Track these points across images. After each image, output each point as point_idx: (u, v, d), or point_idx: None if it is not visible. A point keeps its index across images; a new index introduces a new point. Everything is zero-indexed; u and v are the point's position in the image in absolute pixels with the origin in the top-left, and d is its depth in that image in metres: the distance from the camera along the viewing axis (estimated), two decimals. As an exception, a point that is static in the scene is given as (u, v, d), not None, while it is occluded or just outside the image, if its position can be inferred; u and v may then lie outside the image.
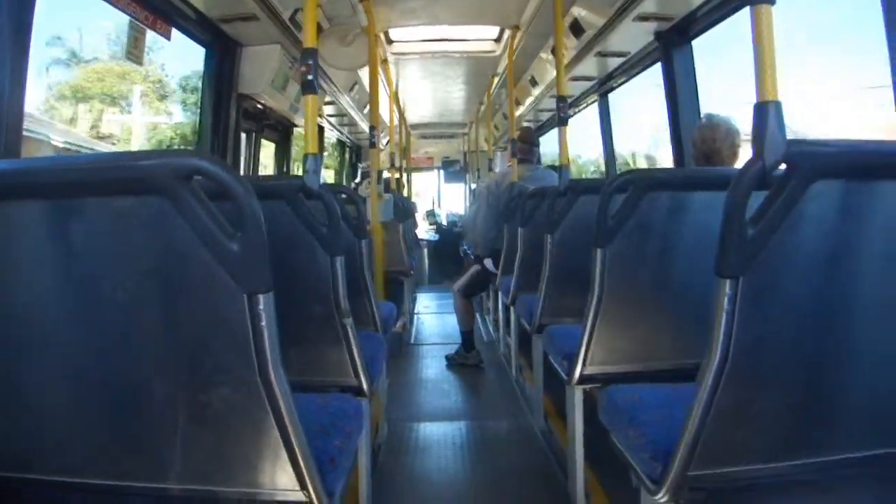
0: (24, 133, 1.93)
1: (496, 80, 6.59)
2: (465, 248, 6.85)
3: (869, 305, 1.21)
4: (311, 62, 2.07)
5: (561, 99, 3.14)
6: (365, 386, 1.94)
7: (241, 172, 4.47)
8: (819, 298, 1.19)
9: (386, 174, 5.57)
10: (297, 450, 1.12)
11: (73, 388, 1.16)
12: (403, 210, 5.52)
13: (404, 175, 8.47)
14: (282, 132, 5.49)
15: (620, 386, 1.67)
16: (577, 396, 2.15)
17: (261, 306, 1.04)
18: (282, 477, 1.14)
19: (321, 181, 1.98)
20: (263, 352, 1.06)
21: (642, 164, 6.30)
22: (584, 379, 2.04)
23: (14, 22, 1.89)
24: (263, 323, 1.04)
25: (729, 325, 1.14)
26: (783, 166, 1.09)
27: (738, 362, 1.16)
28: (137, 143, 10.43)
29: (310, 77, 2.07)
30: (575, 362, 2.02)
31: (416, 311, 6.86)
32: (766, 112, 1.10)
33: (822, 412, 1.25)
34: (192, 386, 1.11)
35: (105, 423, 1.16)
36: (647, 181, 1.88)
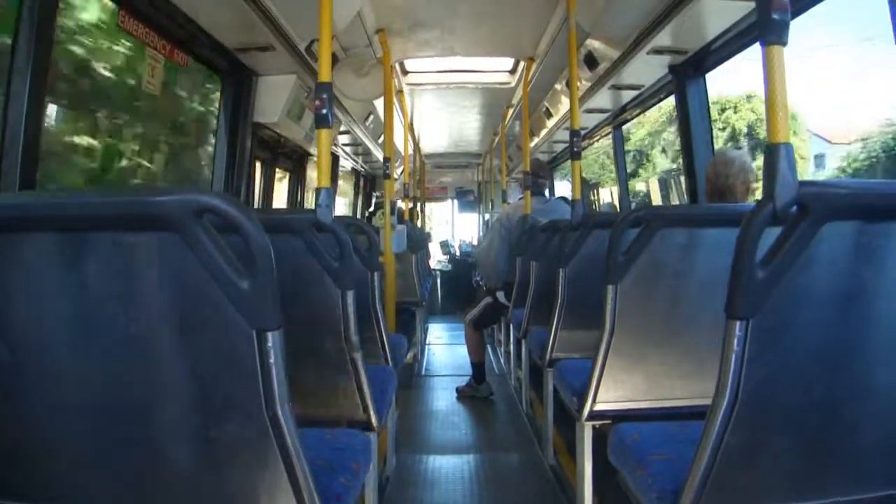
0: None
1: (511, 111, 6.60)
2: (478, 278, 6.81)
3: (880, 347, 1.20)
4: (325, 96, 2.08)
5: (575, 133, 3.14)
6: (374, 421, 1.92)
7: (255, 201, 4.52)
8: (830, 340, 1.18)
9: (400, 204, 5.57)
10: (302, 487, 1.10)
11: (80, 422, 1.15)
12: (417, 241, 5.52)
13: (418, 205, 8.49)
14: (296, 161, 5.52)
15: (629, 424, 1.65)
16: (586, 433, 2.12)
17: (269, 343, 1.04)
18: None
19: (334, 211, 1.98)
20: (271, 388, 1.05)
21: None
22: (593, 415, 2.01)
23: (33, 55, 1.92)
24: (272, 360, 1.04)
25: (738, 366, 1.13)
26: (794, 207, 1.08)
27: (748, 403, 1.14)
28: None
29: (324, 111, 2.08)
30: (585, 398, 2.00)
31: (427, 342, 6.81)
32: (778, 153, 1.09)
33: (832, 454, 1.23)
34: (200, 422, 1.10)
35: (110, 456, 1.16)
36: (659, 217, 1.87)
